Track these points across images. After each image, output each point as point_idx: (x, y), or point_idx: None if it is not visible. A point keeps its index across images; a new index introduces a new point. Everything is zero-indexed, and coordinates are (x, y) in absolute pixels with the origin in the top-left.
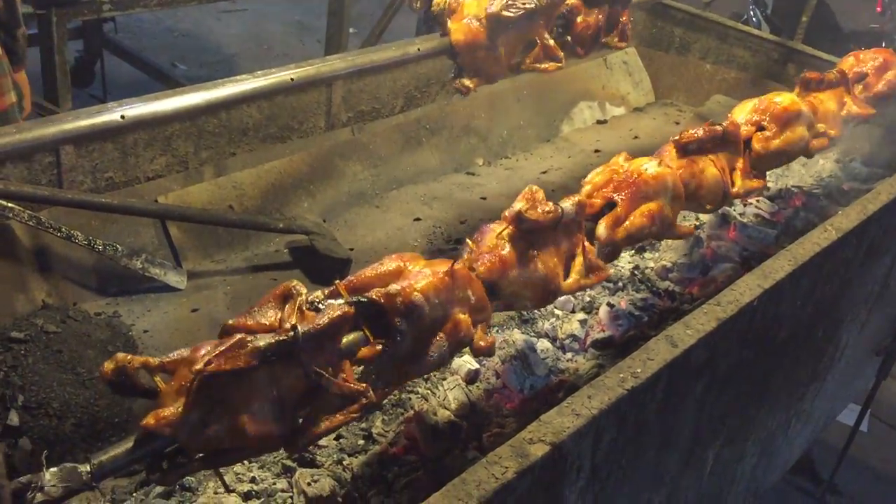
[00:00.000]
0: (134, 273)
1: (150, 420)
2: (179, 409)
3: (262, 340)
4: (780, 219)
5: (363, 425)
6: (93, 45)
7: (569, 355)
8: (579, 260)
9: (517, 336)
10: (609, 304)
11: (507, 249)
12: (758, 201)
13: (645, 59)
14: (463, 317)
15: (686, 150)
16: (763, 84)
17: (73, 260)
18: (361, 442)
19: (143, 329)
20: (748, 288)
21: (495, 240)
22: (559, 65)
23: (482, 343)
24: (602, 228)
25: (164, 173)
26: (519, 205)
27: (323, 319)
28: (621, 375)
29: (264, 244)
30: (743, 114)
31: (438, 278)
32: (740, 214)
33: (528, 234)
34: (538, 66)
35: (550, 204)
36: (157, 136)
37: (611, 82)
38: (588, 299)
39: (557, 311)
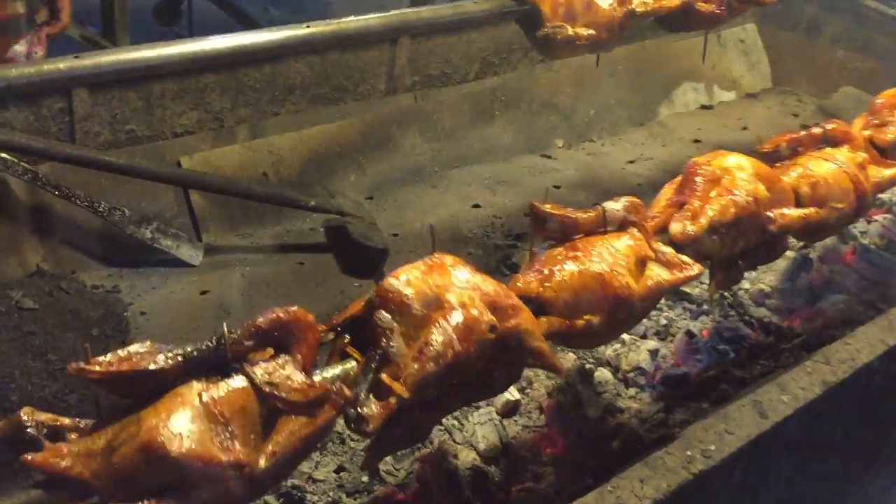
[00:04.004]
0: (143, 243)
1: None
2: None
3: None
4: None
5: None
6: None
7: (632, 391)
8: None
9: (570, 360)
10: (688, 333)
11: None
12: (885, 218)
13: (765, 38)
14: None
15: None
16: None
17: (76, 223)
18: (365, 479)
19: (141, 311)
20: (868, 343)
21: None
22: None
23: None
24: (676, 226)
25: (195, 130)
26: None
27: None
28: (688, 453)
29: (299, 220)
30: None
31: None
32: (862, 233)
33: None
34: None
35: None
36: (188, 88)
37: (722, 62)
38: (664, 322)
39: (624, 336)
